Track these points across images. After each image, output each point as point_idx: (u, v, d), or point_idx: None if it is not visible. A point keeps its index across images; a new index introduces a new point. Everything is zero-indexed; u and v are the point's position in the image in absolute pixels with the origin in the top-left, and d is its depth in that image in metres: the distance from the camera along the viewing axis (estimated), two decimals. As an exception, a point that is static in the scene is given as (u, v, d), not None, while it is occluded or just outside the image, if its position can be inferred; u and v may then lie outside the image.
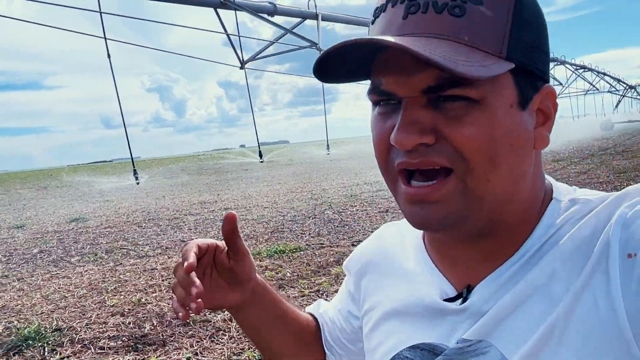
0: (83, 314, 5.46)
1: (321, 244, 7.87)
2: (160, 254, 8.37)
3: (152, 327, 4.87)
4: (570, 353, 0.55)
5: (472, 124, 0.56)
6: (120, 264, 7.82)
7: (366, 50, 0.58)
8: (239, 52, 8.59)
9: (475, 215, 0.60)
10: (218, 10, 7.61)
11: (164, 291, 6.07)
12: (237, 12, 7.82)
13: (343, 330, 0.94)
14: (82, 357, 4.33)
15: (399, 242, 0.81)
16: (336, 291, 0.97)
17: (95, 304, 5.80)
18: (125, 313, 5.38)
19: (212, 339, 4.48)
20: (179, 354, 4.20)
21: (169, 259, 7.85)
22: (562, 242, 0.59)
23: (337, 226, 9.25)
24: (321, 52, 0.58)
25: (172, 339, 4.56)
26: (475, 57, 0.54)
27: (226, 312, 5.13)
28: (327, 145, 9.70)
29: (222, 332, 4.62)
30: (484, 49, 0.55)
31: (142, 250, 8.80)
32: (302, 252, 7.37)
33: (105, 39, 5.89)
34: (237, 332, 4.54)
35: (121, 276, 6.99)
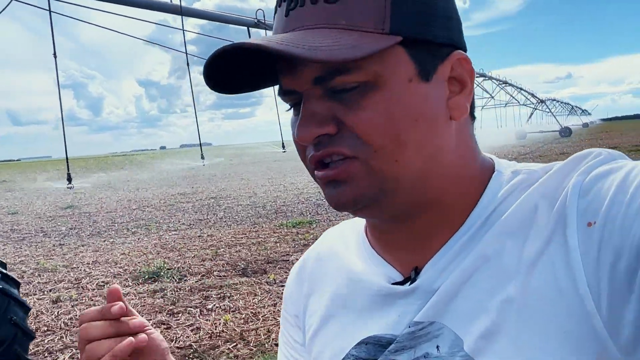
0: (176, 262, 7.12)
1: (328, 219, 9.88)
2: (188, 228, 10.00)
3: (246, 265, 6.70)
4: (532, 329, 0.52)
5: (368, 108, 0.54)
6: (164, 234, 9.41)
7: (251, 55, 0.56)
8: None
9: (394, 195, 0.58)
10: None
11: (229, 247, 7.84)
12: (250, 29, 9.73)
13: None
14: (209, 281, 6.09)
15: (340, 242, 0.76)
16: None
17: (177, 257, 7.46)
18: (213, 259, 7.14)
19: (297, 268, 6.39)
20: (283, 275, 6.08)
21: (201, 230, 9.53)
22: (508, 213, 0.57)
23: (328, 208, 11.27)
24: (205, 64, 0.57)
25: (267, 269, 6.42)
26: (348, 39, 0.53)
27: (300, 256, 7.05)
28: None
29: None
30: (364, 28, 0.54)
31: (169, 226, 10.36)
32: (316, 224, 9.35)
33: (187, 54, 7.60)
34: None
35: (179, 241, 8.64)
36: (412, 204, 0.60)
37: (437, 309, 0.58)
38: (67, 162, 6.08)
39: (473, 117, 0.64)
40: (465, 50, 0.61)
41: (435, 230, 0.61)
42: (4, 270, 3.37)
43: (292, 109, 0.61)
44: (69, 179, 6.15)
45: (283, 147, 10.00)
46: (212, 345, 4.16)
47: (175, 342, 4.30)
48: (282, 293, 4.55)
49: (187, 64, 7.76)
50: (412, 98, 0.55)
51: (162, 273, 6.46)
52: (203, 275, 6.34)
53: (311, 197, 13.42)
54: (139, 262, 7.24)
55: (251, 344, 4.16)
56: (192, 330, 4.53)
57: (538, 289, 0.52)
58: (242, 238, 8.57)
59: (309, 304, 0.76)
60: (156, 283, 6.14)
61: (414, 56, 0.56)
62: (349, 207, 0.59)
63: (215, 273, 6.41)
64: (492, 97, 28.44)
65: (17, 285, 3.41)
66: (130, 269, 6.87)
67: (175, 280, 6.19)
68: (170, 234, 9.44)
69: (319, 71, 0.54)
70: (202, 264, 6.90)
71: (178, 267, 6.76)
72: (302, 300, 0.77)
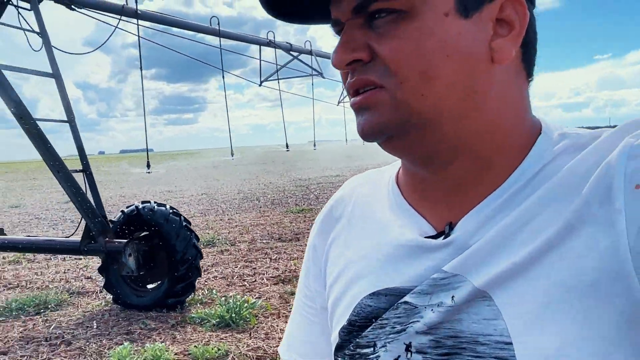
0: (219, 235, 8.83)
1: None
2: (202, 215, 11.63)
3: (279, 236, 8.52)
4: (557, 286, 0.51)
5: (398, 37, 0.54)
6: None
7: None
8: (261, 73, 12.32)
9: (421, 132, 0.57)
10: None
11: (253, 226, 9.60)
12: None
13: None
14: (256, 245, 7.88)
15: (369, 191, 0.75)
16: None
17: (215, 233, 9.16)
18: (248, 233, 8.91)
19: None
20: (314, 241, 7.94)
21: (217, 216, 11.20)
22: (555, 176, 0.55)
23: (315, 200, 13.22)
24: None
25: (299, 238, 8.27)
26: None
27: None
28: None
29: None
30: None
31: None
32: (317, 211, 11.24)
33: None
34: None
35: (206, 223, 10.30)
36: (443, 145, 0.58)
37: (465, 264, 0.56)
38: (147, 152, 7.74)
39: (530, 76, 0.61)
40: None
41: (472, 182, 0.59)
42: (181, 214, 5.13)
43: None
44: (148, 166, 7.80)
45: (287, 147, 11.91)
46: (295, 275, 6.01)
47: (265, 274, 6.13)
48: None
49: (222, 76, 9.51)
50: (445, 33, 0.54)
51: (215, 241, 8.19)
52: (250, 242, 8.12)
53: (295, 193, 15.32)
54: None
55: (322, 273, 6.04)
56: (273, 269, 6.36)
57: (576, 247, 0.51)
58: (259, 220, 10.36)
59: (330, 253, 0.75)
60: (216, 247, 7.87)
61: None
62: (373, 136, 0.58)
63: (258, 240, 8.22)
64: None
65: (189, 223, 5.16)
66: (184, 240, 8.53)
67: (229, 245, 7.95)
68: (191, 219, 11.05)
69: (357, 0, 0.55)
70: (242, 236, 8.66)
71: (224, 238, 8.50)
72: (325, 250, 0.76)
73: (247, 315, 4.51)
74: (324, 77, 12.67)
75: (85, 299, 5.57)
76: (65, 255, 7.46)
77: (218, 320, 4.46)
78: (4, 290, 6.07)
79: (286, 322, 0.88)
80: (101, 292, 5.69)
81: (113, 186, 22.33)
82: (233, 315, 4.45)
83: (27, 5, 6.00)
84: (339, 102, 18.20)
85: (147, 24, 7.76)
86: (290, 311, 4.77)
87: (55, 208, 14.91)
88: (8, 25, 5.96)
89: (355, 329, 0.64)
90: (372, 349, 0.61)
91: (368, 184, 0.76)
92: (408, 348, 0.58)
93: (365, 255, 0.67)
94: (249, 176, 24.74)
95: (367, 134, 0.58)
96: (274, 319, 4.59)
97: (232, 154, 9.82)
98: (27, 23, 5.90)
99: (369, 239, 0.69)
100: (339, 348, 0.66)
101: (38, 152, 4.90)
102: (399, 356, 0.59)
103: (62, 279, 6.42)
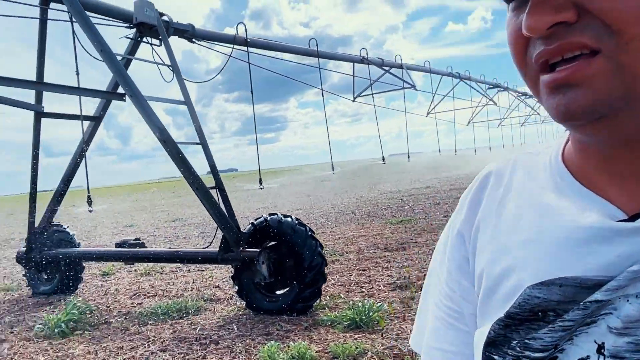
0: (325, 249, 9.16)
1: (422, 217, 11.86)
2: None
3: (384, 246, 8.73)
4: None
5: None
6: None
7: None
8: (354, 89, 12.68)
9: (637, 105, 0.46)
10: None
11: (356, 238, 9.88)
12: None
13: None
14: (364, 254, 8.13)
15: (522, 174, 0.66)
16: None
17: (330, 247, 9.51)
18: (353, 244, 9.19)
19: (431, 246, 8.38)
20: (421, 249, 8.07)
21: (319, 229, 11.59)
22: None
23: (410, 211, 13.28)
24: None
25: (405, 247, 8.43)
26: None
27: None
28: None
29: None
30: None
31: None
32: (415, 221, 11.34)
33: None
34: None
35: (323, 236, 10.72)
36: None
37: None
38: (260, 171, 8.28)
39: None
40: None
41: None
42: (306, 224, 5.50)
43: (511, 3, 0.52)
44: (260, 182, 8.34)
45: (332, 168, 12.20)
46: (410, 282, 6.19)
47: (381, 281, 6.35)
48: (428, 260, 7.08)
49: (322, 94, 9.96)
50: None
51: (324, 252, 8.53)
52: (358, 252, 8.39)
53: (389, 205, 15.47)
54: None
55: (437, 280, 6.18)
56: (387, 276, 6.57)
57: None
58: (360, 232, 10.61)
59: (478, 239, 0.66)
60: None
61: None
62: (582, 117, 0.48)
63: (365, 250, 8.47)
64: (538, 113, 30.04)
65: (313, 232, 5.52)
66: (294, 252, 8.96)
67: (338, 255, 8.26)
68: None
69: None
70: (348, 247, 8.96)
71: (332, 249, 8.83)
72: (471, 236, 0.67)
73: (376, 318, 4.75)
74: (416, 90, 12.84)
75: (219, 305, 6.07)
76: (190, 267, 8.12)
77: (349, 322, 4.73)
78: (145, 298, 6.74)
79: (412, 325, 0.75)
80: (231, 298, 6.17)
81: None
82: (363, 317, 4.70)
83: (157, 42, 6.73)
84: (427, 114, 18.24)
85: (257, 50, 8.38)
86: (414, 315, 4.99)
87: (164, 226, 16.09)
88: (144, 60, 6.71)
89: (515, 322, 0.56)
90: (551, 351, 0.53)
91: (520, 168, 0.67)
92: (600, 350, 0.49)
93: (526, 241, 0.59)
94: (339, 190, 25.20)
95: (572, 116, 0.48)
96: (401, 322, 4.79)
97: (333, 168, 10.21)
98: (160, 57, 6.61)
99: (529, 223, 0.60)
100: (492, 344, 0.58)
101: (180, 171, 5.47)
102: (589, 357, 0.50)
103: (193, 288, 7.01)
